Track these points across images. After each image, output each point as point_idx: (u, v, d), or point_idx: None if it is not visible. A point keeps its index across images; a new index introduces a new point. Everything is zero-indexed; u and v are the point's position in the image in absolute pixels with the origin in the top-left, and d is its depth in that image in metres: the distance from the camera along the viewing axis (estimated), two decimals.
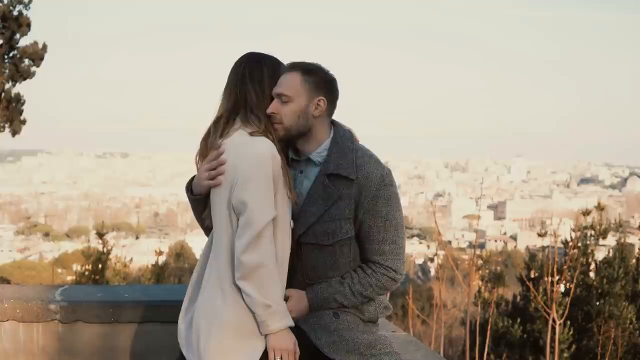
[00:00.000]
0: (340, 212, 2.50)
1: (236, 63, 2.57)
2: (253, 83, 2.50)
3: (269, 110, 2.51)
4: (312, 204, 2.51)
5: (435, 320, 7.58)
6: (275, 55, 2.61)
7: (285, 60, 2.61)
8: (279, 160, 2.43)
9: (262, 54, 2.59)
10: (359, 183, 2.50)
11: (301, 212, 2.52)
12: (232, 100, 2.51)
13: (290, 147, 2.63)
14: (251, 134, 2.44)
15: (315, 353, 2.48)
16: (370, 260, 2.56)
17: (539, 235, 8.37)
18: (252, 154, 2.38)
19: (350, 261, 2.56)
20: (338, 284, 2.53)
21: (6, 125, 13.26)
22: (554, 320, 6.80)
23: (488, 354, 7.23)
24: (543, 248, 10.25)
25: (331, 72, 2.60)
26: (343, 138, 2.59)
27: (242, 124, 2.48)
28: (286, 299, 2.47)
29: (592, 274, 9.22)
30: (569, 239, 8.91)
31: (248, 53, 2.60)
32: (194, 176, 2.57)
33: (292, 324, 2.41)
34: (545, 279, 7.44)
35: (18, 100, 13.35)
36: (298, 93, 2.51)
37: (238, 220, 2.40)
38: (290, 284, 2.53)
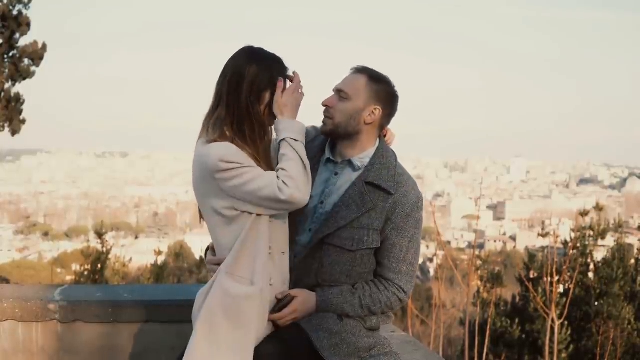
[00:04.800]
0: (371, 222, 2.49)
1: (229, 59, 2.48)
2: (230, 87, 2.41)
3: (324, 102, 2.53)
4: (345, 207, 2.50)
5: (435, 321, 7.59)
6: (277, 54, 2.48)
7: (288, 59, 2.57)
8: (240, 153, 2.36)
9: (255, 52, 2.46)
10: (395, 199, 2.50)
11: (332, 213, 2.50)
12: (212, 102, 2.47)
13: (329, 147, 2.62)
14: (207, 141, 2.38)
15: (316, 354, 2.47)
16: (385, 277, 2.55)
17: (540, 235, 8.38)
18: (211, 166, 2.34)
19: (366, 273, 2.56)
20: (349, 293, 2.52)
21: (6, 125, 13.27)
22: (552, 321, 6.81)
23: (487, 354, 7.24)
24: (542, 248, 10.26)
25: (396, 88, 2.59)
26: (388, 153, 2.59)
27: (207, 130, 2.42)
28: (292, 298, 2.46)
29: (590, 275, 9.23)
30: (568, 240, 8.92)
31: (243, 49, 2.48)
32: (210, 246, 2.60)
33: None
34: (545, 279, 7.45)
35: (18, 99, 13.36)
36: (358, 94, 2.51)
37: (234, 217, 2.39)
38: (303, 281, 2.52)
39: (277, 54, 2.50)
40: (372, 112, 2.52)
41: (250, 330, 2.38)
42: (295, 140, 2.38)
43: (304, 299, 2.48)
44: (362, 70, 2.54)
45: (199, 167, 2.40)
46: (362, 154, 2.56)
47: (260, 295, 2.40)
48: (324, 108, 2.55)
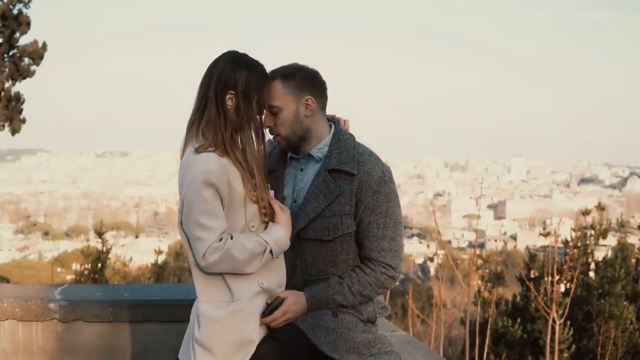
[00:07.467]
0: (342, 208, 2.51)
1: (212, 63, 2.45)
2: (217, 90, 2.39)
3: (265, 125, 2.52)
4: (313, 199, 2.51)
5: (435, 320, 7.57)
6: (260, 60, 2.46)
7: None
8: (223, 173, 2.34)
9: (241, 58, 2.44)
10: (360, 178, 2.52)
11: (301, 207, 2.52)
12: (197, 104, 2.44)
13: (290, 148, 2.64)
14: (196, 149, 2.37)
15: (314, 352, 2.47)
16: (369, 257, 2.56)
17: (541, 235, 8.38)
18: (189, 179, 2.35)
19: (350, 259, 2.56)
20: (337, 284, 2.52)
21: (6, 124, 13.27)
22: (553, 320, 6.79)
23: (487, 354, 7.23)
24: (543, 248, 10.26)
25: (309, 66, 2.59)
26: (345, 137, 2.61)
27: (195, 135, 2.41)
28: (282, 300, 2.46)
29: (592, 274, 9.24)
30: (569, 239, 8.92)
31: (229, 53, 2.46)
32: None
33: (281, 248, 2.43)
34: (545, 278, 7.44)
35: (18, 99, 13.37)
36: (284, 100, 2.52)
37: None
38: (290, 280, 2.52)
39: (260, 60, 2.48)
40: (306, 104, 2.54)
41: (255, 339, 2.39)
42: (271, 253, 2.38)
43: (294, 300, 2.48)
44: (272, 77, 2.52)
45: (182, 173, 2.41)
46: (320, 144, 2.59)
47: (249, 303, 2.40)
48: (267, 130, 2.55)
